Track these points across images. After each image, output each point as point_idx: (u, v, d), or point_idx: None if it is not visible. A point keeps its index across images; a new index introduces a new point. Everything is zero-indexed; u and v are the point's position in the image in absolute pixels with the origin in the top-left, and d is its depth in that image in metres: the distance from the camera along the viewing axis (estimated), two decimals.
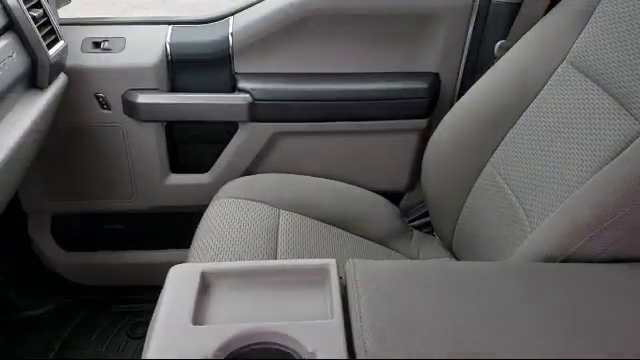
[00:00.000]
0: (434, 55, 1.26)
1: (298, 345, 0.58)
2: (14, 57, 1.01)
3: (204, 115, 1.24)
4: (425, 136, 1.26)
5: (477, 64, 1.24)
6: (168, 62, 1.22)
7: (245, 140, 1.28)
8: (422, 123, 1.28)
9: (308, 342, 0.57)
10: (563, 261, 0.72)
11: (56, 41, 1.12)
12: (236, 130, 1.29)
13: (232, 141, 1.29)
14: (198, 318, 0.61)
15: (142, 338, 1.31)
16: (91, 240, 1.41)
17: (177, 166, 1.34)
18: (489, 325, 0.60)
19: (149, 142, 1.28)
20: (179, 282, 0.65)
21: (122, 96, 1.22)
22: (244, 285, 0.67)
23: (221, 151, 1.31)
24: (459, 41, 1.24)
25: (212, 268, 0.67)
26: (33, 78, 1.08)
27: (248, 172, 1.30)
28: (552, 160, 0.90)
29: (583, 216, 0.72)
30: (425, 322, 0.59)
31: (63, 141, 1.26)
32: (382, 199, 1.27)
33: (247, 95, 1.23)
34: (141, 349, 1.31)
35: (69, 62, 1.18)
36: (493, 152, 1.06)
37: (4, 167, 0.89)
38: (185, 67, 1.23)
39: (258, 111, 1.24)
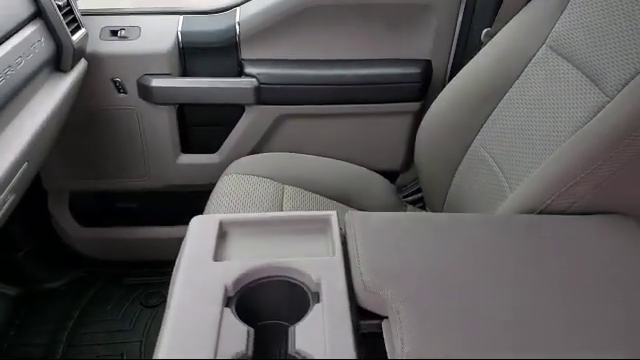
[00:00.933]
0: (426, 43, 1.36)
1: (304, 276, 0.68)
2: (42, 42, 1.10)
3: (213, 98, 1.34)
4: (418, 118, 1.36)
5: (466, 50, 1.34)
6: (180, 49, 1.32)
7: (251, 122, 1.38)
8: (415, 106, 1.38)
9: (313, 273, 0.67)
10: (538, 214, 0.82)
11: (78, 28, 1.22)
12: (243, 112, 1.38)
13: (239, 123, 1.39)
14: (217, 256, 0.71)
15: (156, 307, 1.41)
16: (106, 217, 1.50)
17: (188, 147, 1.44)
18: (471, 262, 0.69)
19: (162, 124, 1.38)
20: (200, 229, 0.75)
21: (137, 81, 1.32)
22: (256, 232, 0.76)
23: (229, 132, 1.41)
24: (449, 29, 1.34)
25: (229, 218, 0.77)
26: (58, 62, 1.18)
27: (254, 152, 1.40)
28: (530, 132, 1.00)
29: (554, 176, 0.82)
30: (413, 260, 0.69)
31: (82, 123, 1.36)
32: (379, 177, 1.36)
33: (253, 79, 1.32)
34: (154, 317, 1.41)
35: (89, 49, 1.28)
36: (479, 130, 1.16)
37: (30, 145, 0.98)
38: (195, 54, 1.33)
39: (263, 94, 1.34)
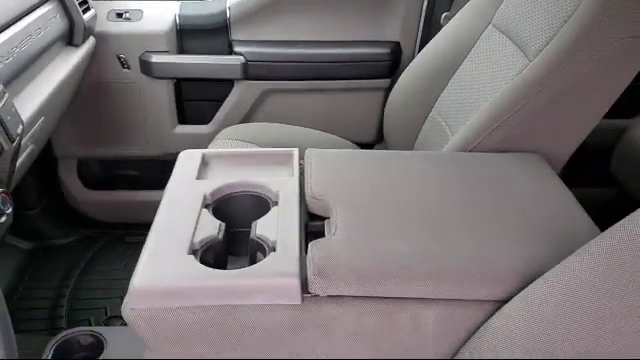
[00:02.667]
0: (395, 26, 1.54)
1: (267, 190, 0.85)
2: (57, 18, 1.29)
3: (206, 73, 1.52)
4: (388, 94, 1.53)
5: (430, 33, 1.51)
6: (177, 30, 1.50)
7: (239, 96, 1.56)
8: (386, 82, 1.56)
9: (274, 187, 0.85)
10: (470, 151, 0.99)
11: (88, 9, 1.40)
12: (232, 88, 1.56)
13: (229, 97, 1.57)
14: (199, 176, 0.88)
15: None
16: (110, 181, 1.68)
17: (183, 118, 1.62)
18: (402, 182, 0.87)
19: (161, 97, 1.56)
20: (187, 159, 0.93)
21: (139, 57, 1.50)
22: (233, 162, 0.94)
23: (219, 106, 1.59)
24: (415, 14, 1.52)
25: (210, 151, 0.95)
26: (70, 37, 1.36)
27: (242, 123, 1.58)
28: (474, 95, 1.17)
29: (482, 121, 1.00)
30: (354, 179, 0.87)
31: (90, 95, 1.54)
32: (351, 144, 1.53)
33: (241, 57, 1.50)
34: None
35: (97, 29, 1.46)
36: (436, 100, 1.33)
37: (46, 103, 1.15)
38: (191, 34, 1.51)
39: (250, 70, 1.52)
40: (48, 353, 1.04)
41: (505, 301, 0.65)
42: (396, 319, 0.68)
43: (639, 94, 1.58)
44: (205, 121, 1.61)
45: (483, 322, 0.66)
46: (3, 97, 0.90)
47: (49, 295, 1.46)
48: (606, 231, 0.59)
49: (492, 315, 0.66)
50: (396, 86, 1.42)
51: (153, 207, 0.80)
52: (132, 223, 1.70)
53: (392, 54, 1.54)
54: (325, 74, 1.55)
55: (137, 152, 1.64)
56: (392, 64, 1.54)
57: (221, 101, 1.59)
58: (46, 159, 1.61)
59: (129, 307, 0.67)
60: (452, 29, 1.35)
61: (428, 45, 1.38)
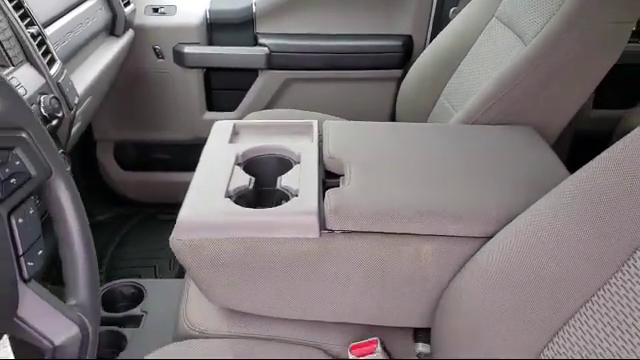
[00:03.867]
0: (408, 21, 1.68)
1: (289, 152, 0.98)
2: (102, 10, 1.44)
3: (233, 63, 1.66)
4: (400, 84, 1.66)
5: (440, 26, 1.64)
6: (208, 24, 1.65)
7: (263, 84, 1.70)
8: (398, 73, 1.69)
9: (296, 150, 0.98)
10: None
11: (128, 4, 1.55)
12: (256, 77, 1.70)
13: (253, 86, 1.71)
14: (231, 141, 1.02)
15: None
16: (144, 163, 1.83)
17: (212, 105, 1.76)
18: (409, 147, 0.99)
19: (191, 85, 1.70)
20: (220, 128, 1.07)
21: (173, 48, 1.65)
22: (259, 132, 1.07)
23: (245, 94, 1.73)
24: (426, 9, 1.65)
25: (240, 122, 1.09)
26: (112, 28, 1.52)
27: (265, 110, 1.71)
28: (477, 79, 1.30)
29: (482, 98, 1.12)
30: (367, 143, 1.00)
31: (127, 83, 1.69)
32: None
33: (265, 48, 1.65)
34: None
35: (135, 22, 1.62)
36: (444, 87, 1.46)
37: (93, 83, 1.29)
38: (220, 27, 1.65)
39: (273, 61, 1.66)
40: None
41: (490, 237, 0.78)
42: (400, 251, 0.80)
43: (634, 87, 1.70)
44: (231, 108, 1.75)
45: (473, 254, 0.78)
46: (63, 72, 1.05)
47: None
48: (571, 175, 0.71)
49: (480, 249, 0.78)
50: (408, 75, 1.55)
51: (184, 188, 0.88)
52: (164, 203, 1.84)
53: (404, 46, 1.67)
54: (342, 64, 1.68)
55: (169, 136, 1.78)
56: (404, 55, 1.67)
57: (246, 89, 1.73)
58: (86, 142, 1.76)
59: (176, 238, 0.80)
60: (459, 22, 1.48)
61: (437, 37, 1.51)
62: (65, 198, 0.59)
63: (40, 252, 0.55)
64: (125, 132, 1.78)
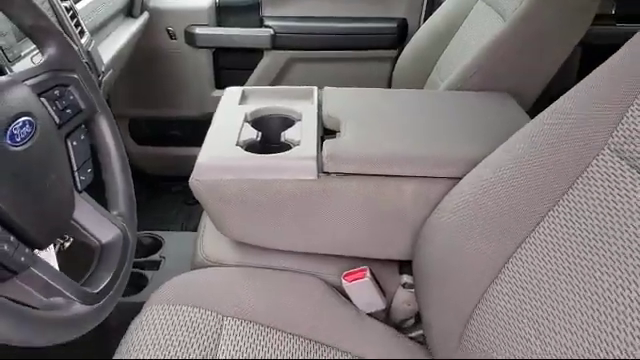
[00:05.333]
0: (402, 4, 1.81)
1: (292, 112, 1.12)
2: None
3: (240, 43, 1.79)
4: (395, 63, 1.80)
5: (432, 10, 1.77)
6: (217, 7, 1.78)
7: (268, 64, 1.84)
8: (393, 53, 1.82)
9: (298, 109, 1.11)
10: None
11: None
12: (262, 57, 1.84)
13: (259, 65, 1.85)
14: (241, 102, 1.15)
15: (194, 205, 1.85)
16: (157, 138, 1.97)
17: (220, 83, 1.90)
18: (398, 108, 1.12)
19: (201, 64, 1.84)
20: (231, 93, 1.20)
21: (185, 29, 1.78)
22: (266, 96, 1.21)
23: (251, 73, 1.86)
24: None
25: (248, 88, 1.22)
26: (130, 10, 1.65)
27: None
28: (463, 54, 1.42)
29: (463, 69, 1.25)
30: (361, 104, 1.13)
31: (142, 62, 1.82)
32: None
33: (270, 29, 1.78)
34: (192, 211, 1.86)
35: (150, 4, 1.75)
36: (436, 61, 1.59)
37: (114, 59, 1.42)
38: (228, 10, 1.79)
39: (277, 41, 1.79)
40: None
41: (460, 178, 0.91)
42: (385, 191, 0.94)
43: None
44: (239, 85, 1.88)
45: (446, 193, 0.92)
46: (91, 43, 1.18)
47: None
48: (528, 124, 0.84)
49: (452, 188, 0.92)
50: (402, 55, 1.68)
51: (194, 161, 0.96)
52: (176, 175, 1.98)
53: (399, 28, 1.80)
54: (342, 45, 1.82)
55: (180, 113, 1.92)
56: (399, 37, 1.81)
57: (252, 69, 1.86)
58: None
59: (195, 179, 0.94)
60: (449, 5, 1.61)
61: (429, 19, 1.65)
62: (107, 131, 0.73)
63: (89, 170, 0.69)
64: (140, 109, 1.92)
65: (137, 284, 1.24)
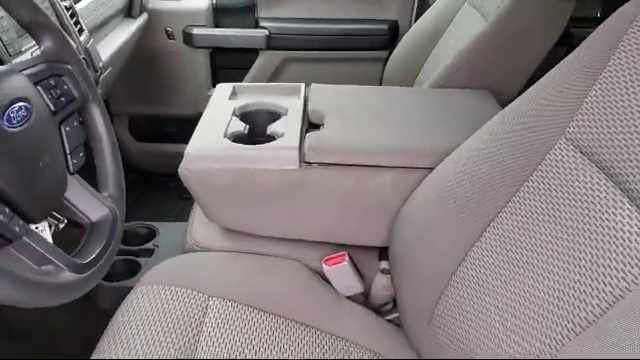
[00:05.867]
0: (394, 7, 1.87)
1: (279, 107, 1.17)
2: None
3: (236, 43, 1.86)
4: (386, 63, 1.85)
5: (422, 12, 1.83)
6: (214, 8, 1.84)
7: (263, 64, 1.90)
8: (384, 54, 1.88)
9: (284, 104, 1.17)
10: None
11: None
12: (257, 57, 1.90)
13: (254, 65, 1.91)
14: (231, 98, 1.21)
15: (189, 199, 1.90)
16: (155, 135, 2.03)
17: (217, 83, 1.95)
18: (383, 103, 1.18)
19: (199, 64, 1.90)
20: (221, 89, 1.26)
21: (183, 30, 1.84)
22: (255, 92, 1.26)
23: (246, 72, 1.92)
24: None
25: (238, 85, 1.28)
26: (129, 11, 1.71)
27: None
28: (448, 55, 1.47)
29: (447, 66, 1.31)
30: (346, 99, 1.18)
31: (141, 62, 1.88)
32: None
33: (265, 30, 1.84)
34: (187, 205, 1.91)
35: (150, 6, 1.81)
36: (423, 64, 1.65)
37: (112, 56, 1.48)
38: (225, 11, 1.85)
39: (272, 42, 1.85)
40: None
41: (433, 168, 0.96)
42: (363, 181, 0.99)
43: None
44: None
45: (421, 182, 0.97)
46: (89, 40, 1.25)
47: None
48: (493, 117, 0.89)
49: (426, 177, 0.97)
50: (392, 56, 1.74)
51: None
52: (172, 171, 2.03)
53: (390, 30, 1.86)
54: (335, 45, 1.87)
55: (177, 111, 1.98)
56: (390, 38, 1.87)
57: (248, 68, 1.92)
58: None
59: (184, 168, 1.00)
60: (437, 8, 1.67)
61: (417, 22, 1.70)
62: (99, 119, 0.79)
63: (81, 154, 0.75)
64: (139, 107, 1.98)
65: (131, 270, 1.30)
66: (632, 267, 0.60)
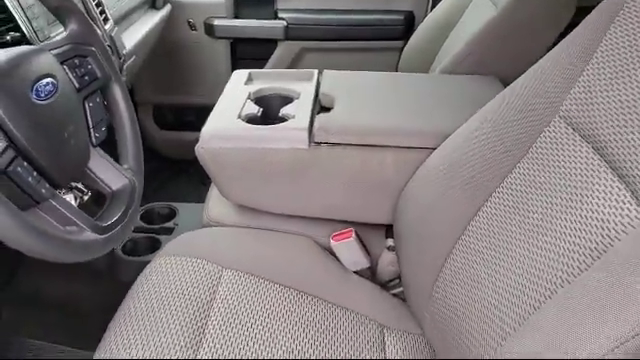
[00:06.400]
0: None
1: (292, 91, 1.23)
2: None
3: (255, 34, 1.92)
4: (402, 53, 1.89)
5: (437, 3, 1.86)
6: (234, 0, 1.91)
7: (281, 54, 1.95)
8: (400, 43, 1.92)
9: (297, 89, 1.22)
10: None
11: None
12: (275, 47, 1.96)
13: (273, 55, 1.97)
14: (246, 83, 1.27)
15: (209, 184, 1.97)
16: (178, 123, 2.10)
17: None
18: (388, 89, 1.23)
19: (219, 55, 1.96)
20: (238, 75, 1.32)
21: (204, 21, 1.91)
22: (269, 78, 1.32)
23: (265, 63, 1.98)
24: None
25: (254, 71, 1.33)
26: (153, 2, 1.78)
27: None
28: (460, 43, 1.51)
29: (457, 53, 1.35)
30: (356, 83, 1.23)
31: (164, 52, 1.95)
32: None
33: (284, 21, 1.90)
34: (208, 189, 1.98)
35: None
36: (437, 52, 1.69)
37: (136, 46, 1.55)
38: (245, 3, 1.91)
39: (290, 32, 1.91)
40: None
41: (435, 148, 1.01)
42: (369, 160, 1.04)
43: None
44: None
45: (423, 162, 1.02)
46: (114, 29, 1.32)
47: None
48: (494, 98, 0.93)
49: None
50: (407, 45, 1.79)
51: None
52: (194, 158, 2.11)
53: (406, 20, 1.91)
54: (351, 36, 1.92)
55: (199, 100, 2.04)
56: (405, 28, 1.91)
57: (266, 59, 1.98)
58: None
59: (200, 147, 1.06)
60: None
61: (433, 11, 1.74)
62: (120, 98, 0.85)
63: (103, 129, 0.81)
64: (162, 96, 2.06)
65: (152, 247, 1.37)
66: (609, 230, 0.64)
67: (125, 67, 1.42)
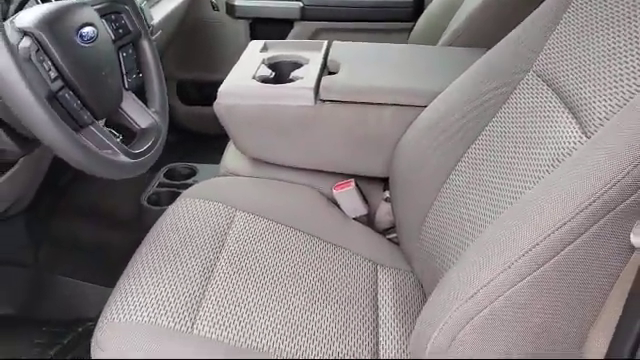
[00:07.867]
0: None
1: (302, 58, 1.35)
2: None
3: (273, 14, 2.04)
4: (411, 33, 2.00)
5: None
6: None
7: (297, 33, 2.07)
8: (409, 25, 2.03)
9: (307, 56, 1.35)
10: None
11: None
12: (292, 27, 2.08)
13: (289, 34, 2.09)
14: (261, 51, 1.39)
15: None
16: (200, 98, 2.24)
17: None
18: (393, 56, 1.34)
19: (239, 34, 2.10)
20: (254, 44, 1.44)
21: (226, 1, 2.04)
22: (283, 46, 1.44)
23: None
24: None
25: (269, 41, 1.46)
26: None
27: None
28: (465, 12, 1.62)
29: (459, 27, 1.46)
30: (362, 53, 1.35)
31: (188, 31, 2.09)
32: None
33: (300, 2, 2.02)
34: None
35: None
36: (443, 31, 1.79)
37: (161, 22, 1.69)
38: None
39: (306, 13, 2.03)
40: (159, 176, 1.59)
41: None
42: (368, 116, 1.16)
43: None
44: None
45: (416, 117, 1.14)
46: (143, 1, 1.45)
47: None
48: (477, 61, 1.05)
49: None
50: (416, 26, 1.90)
51: None
52: (215, 133, 2.24)
53: (415, 2, 2.02)
54: (363, 17, 2.04)
55: (220, 77, 2.17)
56: (415, 10, 2.02)
57: (283, 38, 2.10)
58: None
59: (217, 103, 1.19)
60: None
61: None
62: (148, 51, 0.98)
63: (134, 75, 0.95)
64: (186, 72, 2.19)
65: (173, 199, 1.49)
66: (565, 156, 0.75)
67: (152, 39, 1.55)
